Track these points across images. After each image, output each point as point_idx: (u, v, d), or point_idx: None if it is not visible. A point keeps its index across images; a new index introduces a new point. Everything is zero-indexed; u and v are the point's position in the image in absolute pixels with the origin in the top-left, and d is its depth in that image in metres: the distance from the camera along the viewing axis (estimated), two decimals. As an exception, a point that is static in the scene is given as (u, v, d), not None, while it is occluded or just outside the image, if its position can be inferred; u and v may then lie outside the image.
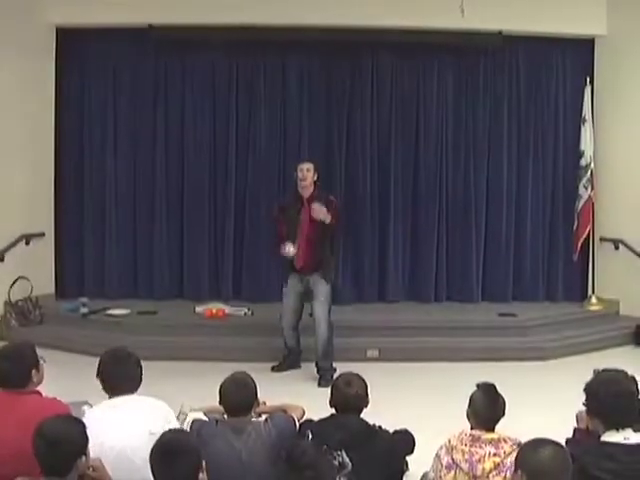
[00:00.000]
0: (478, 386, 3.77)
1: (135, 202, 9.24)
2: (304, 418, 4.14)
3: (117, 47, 9.06)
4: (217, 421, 3.89)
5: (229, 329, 8.26)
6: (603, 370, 4.07)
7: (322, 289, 7.13)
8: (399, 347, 8.03)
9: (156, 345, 7.77)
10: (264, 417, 4.07)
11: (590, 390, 3.56)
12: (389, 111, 9.27)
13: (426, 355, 7.91)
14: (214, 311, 8.45)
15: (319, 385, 7.01)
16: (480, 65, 9.32)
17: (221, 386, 3.88)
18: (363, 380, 3.95)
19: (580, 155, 9.15)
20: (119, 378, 3.85)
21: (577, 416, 4.06)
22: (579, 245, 9.20)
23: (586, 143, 9.12)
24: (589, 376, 3.67)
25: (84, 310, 8.43)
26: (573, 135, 9.34)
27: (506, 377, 7.20)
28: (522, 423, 5.81)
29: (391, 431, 4.09)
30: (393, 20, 8.74)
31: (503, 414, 3.71)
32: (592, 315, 9.12)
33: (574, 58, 9.50)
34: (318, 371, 7.21)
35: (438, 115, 9.31)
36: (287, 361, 7.55)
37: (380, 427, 3.91)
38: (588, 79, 9.24)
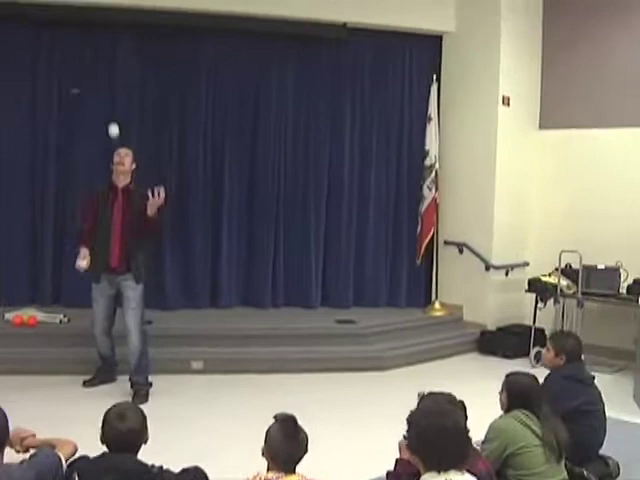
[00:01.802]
0: (275, 418, 3.15)
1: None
2: (77, 455, 3.42)
3: None
4: (-41, 464, 3.13)
5: (40, 338, 7.41)
6: (429, 394, 3.65)
7: (133, 294, 6.41)
8: (227, 358, 7.43)
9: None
10: (28, 454, 3.35)
11: (411, 421, 3.03)
12: (225, 102, 8.68)
13: (256, 366, 7.37)
14: (25, 318, 7.59)
15: (132, 402, 6.26)
16: (323, 58, 8.90)
17: (-38, 422, 3.12)
18: (140, 412, 3.25)
19: (425, 155, 8.90)
20: None
21: (400, 445, 3.53)
22: (422, 249, 8.99)
23: (431, 142, 8.92)
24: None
25: None
26: (418, 134, 9.08)
27: (339, 389, 7.04)
28: (345, 447, 5.49)
29: (178, 470, 3.41)
30: (232, 6, 8.19)
31: (305, 451, 3.12)
32: (435, 321, 8.90)
33: (421, 54, 9.27)
34: (132, 386, 6.51)
35: (277, 109, 8.83)
36: (100, 374, 6.83)
37: (161, 468, 3.23)
38: (435, 76, 9.03)
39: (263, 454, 3.12)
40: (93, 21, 8.09)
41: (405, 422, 3.07)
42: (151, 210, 6.22)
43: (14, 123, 8.25)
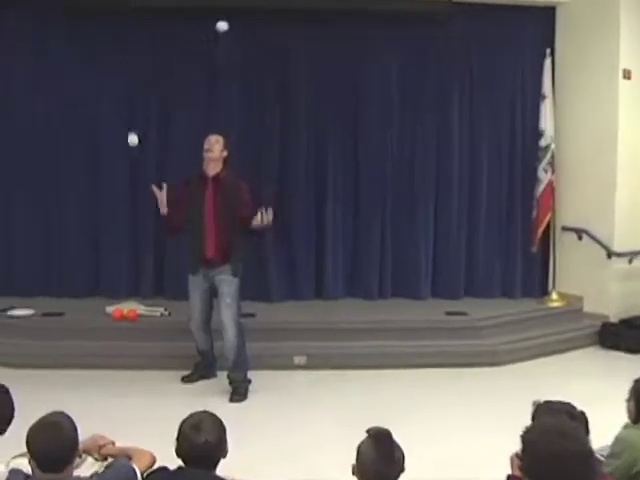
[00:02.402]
0: (368, 433, 2.79)
1: (44, 187, 8.25)
2: (156, 466, 3.16)
3: None
4: (27, 476, 2.90)
5: (140, 332, 7.29)
6: (545, 403, 3.25)
7: (228, 290, 6.18)
8: (331, 352, 7.13)
9: (61, 351, 6.97)
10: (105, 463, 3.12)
11: (527, 440, 2.58)
12: (326, 87, 8.35)
13: (361, 362, 7.06)
14: (125, 312, 7.49)
15: (231, 400, 6.09)
16: (427, 36, 8.45)
17: (28, 432, 2.88)
18: (219, 422, 2.94)
19: (539, 135, 8.44)
20: None
21: (511, 459, 3.11)
22: (538, 235, 8.53)
23: (546, 122, 8.43)
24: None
25: (-19, 311, 7.45)
26: (532, 113, 8.59)
27: (448, 386, 6.70)
28: (453, 452, 5.14)
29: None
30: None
31: (402, 471, 2.75)
32: (553, 313, 8.42)
33: (533, 27, 8.72)
34: (230, 383, 6.28)
35: (381, 93, 8.45)
36: (198, 370, 6.64)
37: (241, 485, 2.94)
38: (548, 51, 8.53)
39: (353, 472, 2.77)
40: (190, 8, 7.93)
41: (519, 437, 2.67)
42: (255, 225, 6.08)
43: (113, 117, 8.18)
